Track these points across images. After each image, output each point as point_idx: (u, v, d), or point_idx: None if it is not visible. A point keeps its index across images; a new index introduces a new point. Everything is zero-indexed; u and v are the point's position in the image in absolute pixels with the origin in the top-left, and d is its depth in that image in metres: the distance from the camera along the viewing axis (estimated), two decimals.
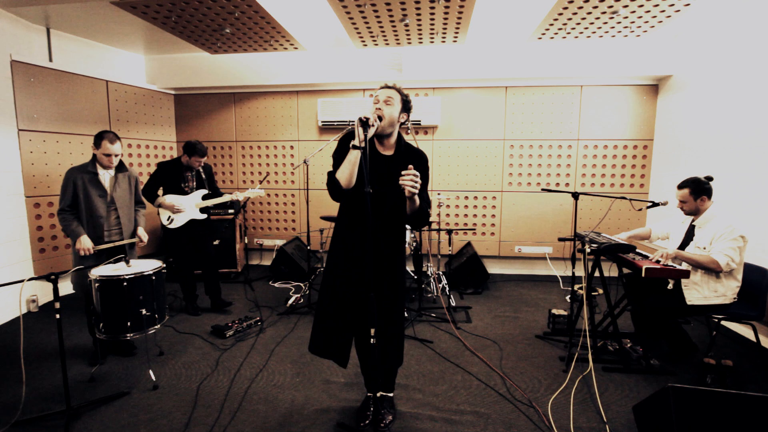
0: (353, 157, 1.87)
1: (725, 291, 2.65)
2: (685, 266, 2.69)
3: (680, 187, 2.81)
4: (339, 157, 1.99)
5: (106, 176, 2.93)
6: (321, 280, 2.22)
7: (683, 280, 2.73)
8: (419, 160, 2.03)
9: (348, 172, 1.89)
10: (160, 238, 5.10)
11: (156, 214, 3.81)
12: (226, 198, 3.77)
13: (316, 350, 2.14)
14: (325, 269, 2.19)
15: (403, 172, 1.80)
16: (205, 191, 3.78)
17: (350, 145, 1.86)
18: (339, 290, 2.07)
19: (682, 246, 2.90)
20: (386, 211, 2.01)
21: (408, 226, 3.53)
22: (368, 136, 1.78)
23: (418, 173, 1.80)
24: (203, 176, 3.79)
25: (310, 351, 2.15)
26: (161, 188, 3.71)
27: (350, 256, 2.04)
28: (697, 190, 2.73)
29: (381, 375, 2.26)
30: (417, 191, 1.83)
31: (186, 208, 3.67)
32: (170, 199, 3.62)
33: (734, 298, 2.67)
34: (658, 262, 2.69)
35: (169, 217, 3.66)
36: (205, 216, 3.77)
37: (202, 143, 3.66)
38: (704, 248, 2.69)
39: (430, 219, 4.47)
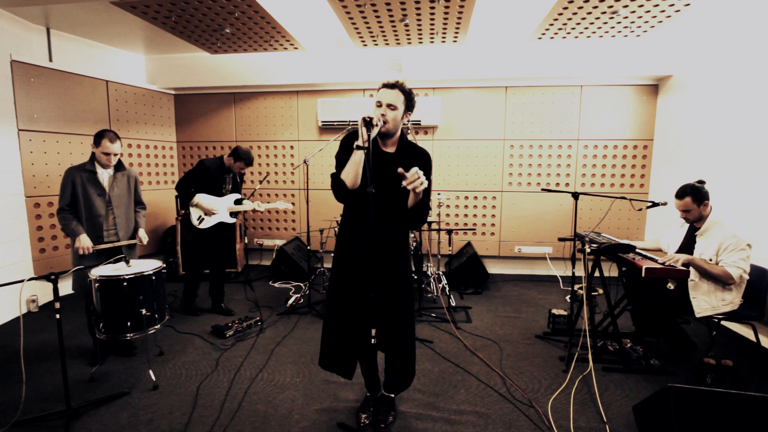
0: (357, 158, 1.87)
1: (733, 298, 2.62)
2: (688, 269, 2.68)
3: (680, 196, 2.73)
4: (342, 157, 1.98)
5: (104, 175, 2.91)
6: (327, 286, 2.21)
7: (691, 293, 2.70)
8: (422, 158, 2.01)
9: (353, 172, 1.89)
10: (161, 238, 5.10)
11: (184, 211, 3.77)
12: (249, 206, 3.80)
13: (325, 364, 2.14)
14: (330, 273, 2.18)
15: (407, 175, 1.72)
16: (238, 196, 3.83)
17: (354, 146, 1.84)
18: (343, 293, 2.06)
19: (681, 251, 2.89)
20: (389, 208, 1.99)
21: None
22: (372, 136, 1.76)
23: (421, 172, 1.73)
24: (238, 180, 3.86)
25: (320, 366, 2.15)
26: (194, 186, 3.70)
27: (354, 256, 2.03)
28: (699, 196, 2.68)
29: (397, 377, 2.23)
30: (425, 187, 1.77)
31: (219, 210, 3.70)
32: (207, 201, 3.64)
33: (740, 302, 2.67)
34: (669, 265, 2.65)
35: (200, 216, 3.66)
36: (233, 220, 3.82)
37: (250, 152, 3.69)
38: (710, 260, 2.65)
39: (431, 219, 4.48)
